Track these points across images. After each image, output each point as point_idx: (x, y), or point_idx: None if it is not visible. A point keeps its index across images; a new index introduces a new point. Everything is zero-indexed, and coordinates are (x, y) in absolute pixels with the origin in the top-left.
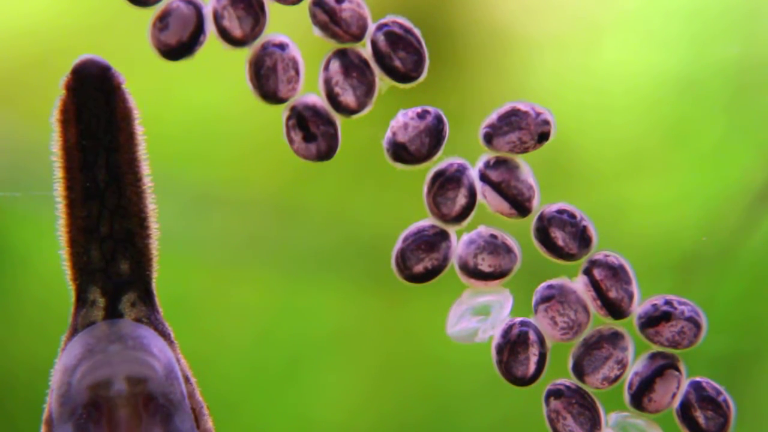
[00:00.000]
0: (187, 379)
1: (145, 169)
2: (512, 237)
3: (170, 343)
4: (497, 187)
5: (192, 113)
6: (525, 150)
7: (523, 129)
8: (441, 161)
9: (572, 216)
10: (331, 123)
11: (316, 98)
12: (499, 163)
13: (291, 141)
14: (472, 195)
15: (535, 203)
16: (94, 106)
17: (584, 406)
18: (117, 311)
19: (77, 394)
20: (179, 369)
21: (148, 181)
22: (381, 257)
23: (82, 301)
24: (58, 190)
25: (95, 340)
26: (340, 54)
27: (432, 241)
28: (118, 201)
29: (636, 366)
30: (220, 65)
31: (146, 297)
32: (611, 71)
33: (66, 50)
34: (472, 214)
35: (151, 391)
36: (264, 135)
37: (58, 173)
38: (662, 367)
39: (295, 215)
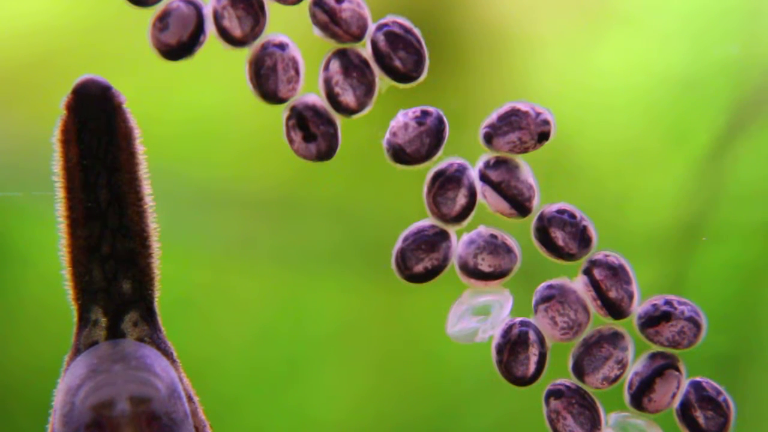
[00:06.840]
0: (189, 398)
1: (147, 188)
2: (512, 237)
3: (173, 362)
4: (497, 187)
5: (192, 113)
6: (525, 150)
7: (523, 129)
8: (441, 161)
9: (572, 216)
10: (331, 123)
11: (316, 98)
12: (499, 163)
13: (291, 141)
14: (472, 195)
15: (535, 203)
16: (95, 126)
17: (584, 406)
18: (119, 331)
19: (80, 414)
20: (182, 388)
21: (149, 201)
22: (381, 257)
23: (84, 320)
24: (60, 210)
25: (98, 360)
26: (340, 54)
27: (432, 241)
28: (119, 221)
29: (636, 366)
30: (220, 65)
31: (148, 316)
32: (611, 71)
33: (66, 50)
34: (472, 214)
35: (154, 410)
36: (264, 135)
37: (60, 193)
38: (662, 367)
39: (295, 215)
